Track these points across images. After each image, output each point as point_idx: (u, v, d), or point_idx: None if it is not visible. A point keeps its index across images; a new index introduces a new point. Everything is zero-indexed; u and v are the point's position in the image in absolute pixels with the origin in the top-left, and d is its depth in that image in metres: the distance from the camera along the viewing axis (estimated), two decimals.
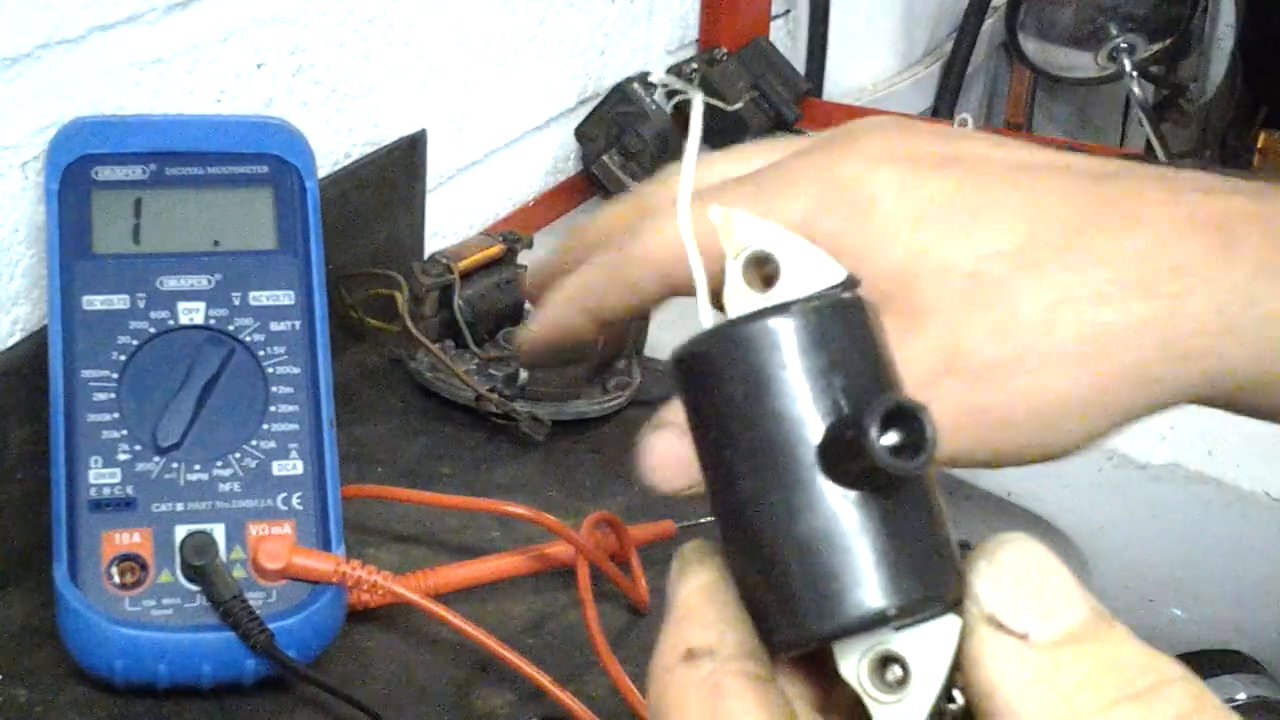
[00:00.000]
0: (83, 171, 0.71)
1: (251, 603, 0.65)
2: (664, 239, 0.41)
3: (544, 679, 0.67)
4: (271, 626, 0.65)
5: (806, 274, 0.31)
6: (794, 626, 0.30)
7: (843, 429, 0.29)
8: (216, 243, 0.72)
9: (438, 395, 0.92)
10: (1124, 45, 1.71)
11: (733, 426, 0.30)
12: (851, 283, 0.31)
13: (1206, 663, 1.42)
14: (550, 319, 0.46)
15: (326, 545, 0.68)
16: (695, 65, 1.39)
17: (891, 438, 0.28)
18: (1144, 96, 1.74)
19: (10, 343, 0.77)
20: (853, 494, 0.29)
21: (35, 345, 0.73)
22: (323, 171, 0.85)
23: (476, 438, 0.90)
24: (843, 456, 0.29)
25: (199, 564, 0.65)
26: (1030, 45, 1.75)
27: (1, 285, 0.76)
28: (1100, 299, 0.38)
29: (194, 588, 0.66)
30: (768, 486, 0.30)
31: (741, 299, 0.31)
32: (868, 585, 0.29)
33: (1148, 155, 1.64)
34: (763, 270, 0.31)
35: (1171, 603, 1.47)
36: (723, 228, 0.31)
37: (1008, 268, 0.39)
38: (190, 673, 0.65)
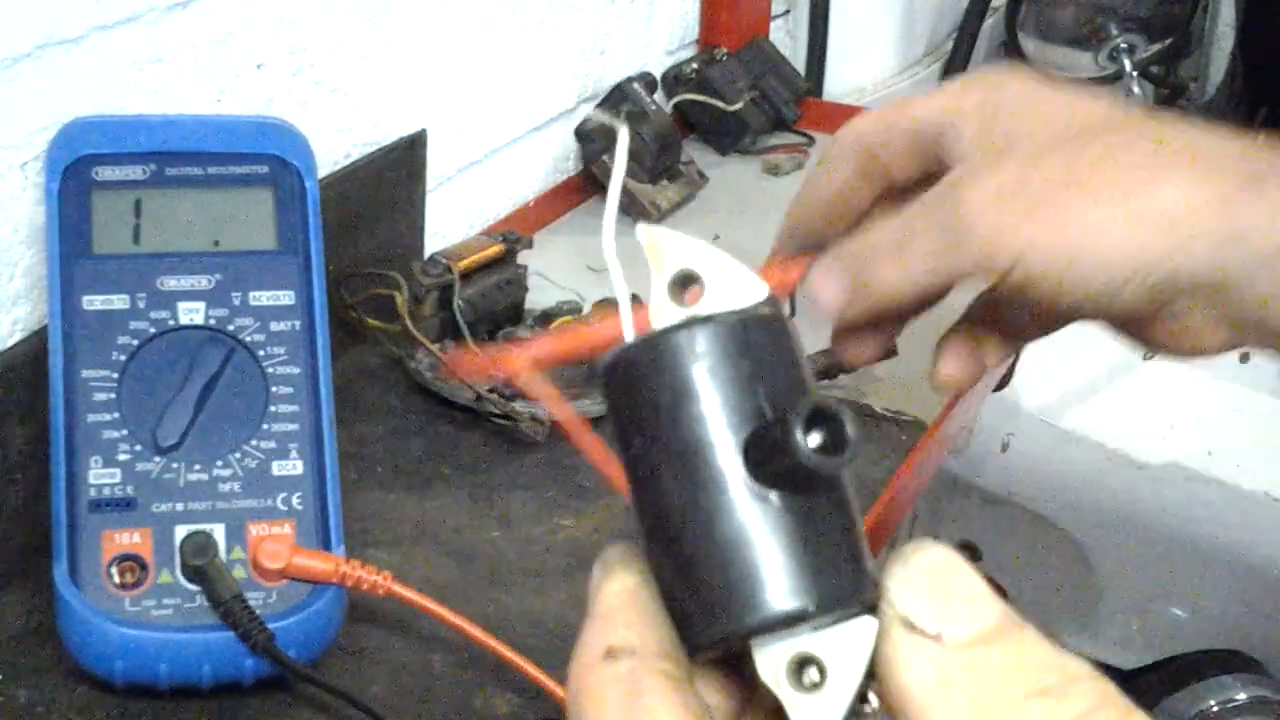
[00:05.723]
0: (83, 171, 0.71)
1: (251, 603, 0.65)
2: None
3: (545, 679, 0.67)
4: (272, 626, 0.65)
5: (730, 290, 0.32)
6: (713, 625, 0.31)
7: (768, 429, 0.30)
8: (216, 243, 0.72)
9: (437, 395, 0.92)
10: (1124, 45, 1.71)
11: (657, 431, 0.31)
12: (772, 299, 0.32)
13: (1206, 663, 1.43)
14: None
15: (327, 545, 0.68)
16: (695, 65, 1.39)
17: (815, 438, 0.29)
18: (1144, 96, 1.74)
19: (10, 343, 0.77)
20: (773, 495, 0.30)
21: (35, 345, 0.73)
22: (323, 171, 0.85)
23: (476, 438, 0.90)
24: (767, 456, 0.30)
25: (199, 564, 0.65)
26: (1030, 45, 1.75)
27: (1, 285, 0.76)
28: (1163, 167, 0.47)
29: (194, 588, 0.66)
30: (691, 488, 0.31)
31: (667, 313, 0.32)
32: (786, 585, 0.30)
33: None
34: (688, 287, 0.32)
35: (1171, 603, 1.47)
36: (650, 246, 0.32)
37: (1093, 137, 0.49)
38: (190, 673, 0.65)
